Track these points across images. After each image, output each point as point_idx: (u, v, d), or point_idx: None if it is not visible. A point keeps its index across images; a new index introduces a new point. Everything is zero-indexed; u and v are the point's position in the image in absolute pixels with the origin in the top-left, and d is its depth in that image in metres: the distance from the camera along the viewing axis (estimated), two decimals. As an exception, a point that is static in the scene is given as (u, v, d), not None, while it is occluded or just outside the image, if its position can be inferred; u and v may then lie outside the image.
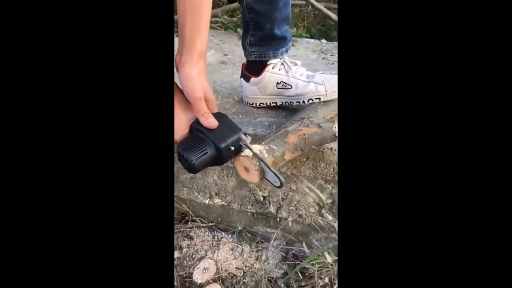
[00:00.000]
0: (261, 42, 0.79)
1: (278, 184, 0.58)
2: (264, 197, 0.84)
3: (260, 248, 0.87)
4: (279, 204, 0.83)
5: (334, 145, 0.71)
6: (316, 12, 1.79)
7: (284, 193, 0.82)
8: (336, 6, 1.73)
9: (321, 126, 0.65)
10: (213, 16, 1.58)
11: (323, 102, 0.77)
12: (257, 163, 0.59)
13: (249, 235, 0.89)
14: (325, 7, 1.69)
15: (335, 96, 0.76)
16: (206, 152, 0.57)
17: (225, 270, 0.82)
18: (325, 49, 1.32)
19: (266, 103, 0.85)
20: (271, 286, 0.78)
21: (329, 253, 0.73)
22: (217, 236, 0.91)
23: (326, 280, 0.73)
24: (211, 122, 0.59)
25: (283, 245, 0.86)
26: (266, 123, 0.80)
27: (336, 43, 1.37)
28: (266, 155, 0.61)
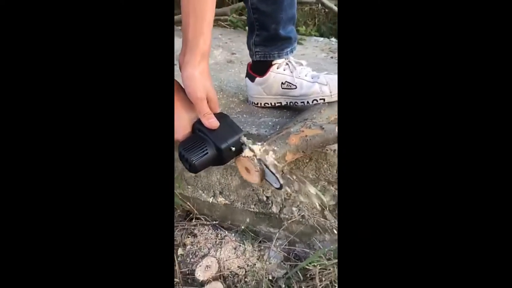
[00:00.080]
0: (266, 42, 0.79)
1: (277, 185, 0.58)
2: (267, 197, 0.85)
3: (262, 247, 0.87)
4: (282, 204, 0.83)
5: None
6: (327, 10, 1.77)
7: (287, 194, 0.81)
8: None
9: (323, 128, 0.65)
10: (222, 14, 1.58)
11: (327, 103, 0.77)
12: (258, 164, 0.60)
13: (252, 234, 0.90)
14: (335, 5, 1.67)
15: (340, 97, 0.76)
16: (207, 153, 0.58)
17: (227, 269, 0.83)
18: (334, 48, 1.31)
19: (271, 103, 0.85)
20: (272, 286, 0.78)
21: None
22: (221, 235, 0.92)
23: (327, 282, 0.73)
24: (212, 122, 0.59)
25: (285, 245, 0.86)
26: (270, 123, 0.80)
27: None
28: (266, 156, 0.61)
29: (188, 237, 0.91)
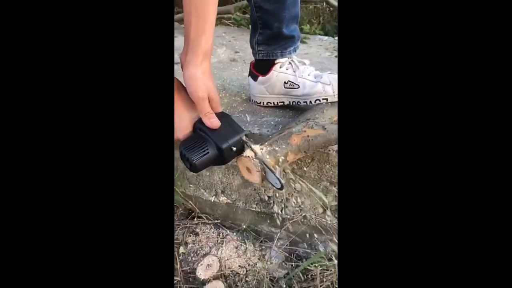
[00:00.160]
0: (269, 41, 0.79)
1: (278, 186, 0.58)
2: (269, 196, 0.84)
3: (263, 247, 0.87)
4: (284, 204, 0.83)
5: (339, 147, 0.70)
6: (331, 8, 1.76)
7: (289, 194, 0.81)
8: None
9: (325, 128, 0.64)
10: (225, 12, 1.58)
11: (330, 103, 0.76)
12: (259, 164, 0.59)
13: (253, 234, 0.90)
14: (340, 3, 1.66)
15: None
16: (208, 152, 0.58)
17: (228, 268, 0.83)
18: (338, 47, 1.30)
19: (274, 102, 0.85)
20: (273, 286, 0.78)
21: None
22: (222, 234, 0.92)
23: (328, 283, 0.73)
24: (213, 122, 0.59)
25: (287, 245, 0.85)
26: (272, 122, 0.80)
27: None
28: (267, 156, 0.60)
29: (190, 236, 0.91)
